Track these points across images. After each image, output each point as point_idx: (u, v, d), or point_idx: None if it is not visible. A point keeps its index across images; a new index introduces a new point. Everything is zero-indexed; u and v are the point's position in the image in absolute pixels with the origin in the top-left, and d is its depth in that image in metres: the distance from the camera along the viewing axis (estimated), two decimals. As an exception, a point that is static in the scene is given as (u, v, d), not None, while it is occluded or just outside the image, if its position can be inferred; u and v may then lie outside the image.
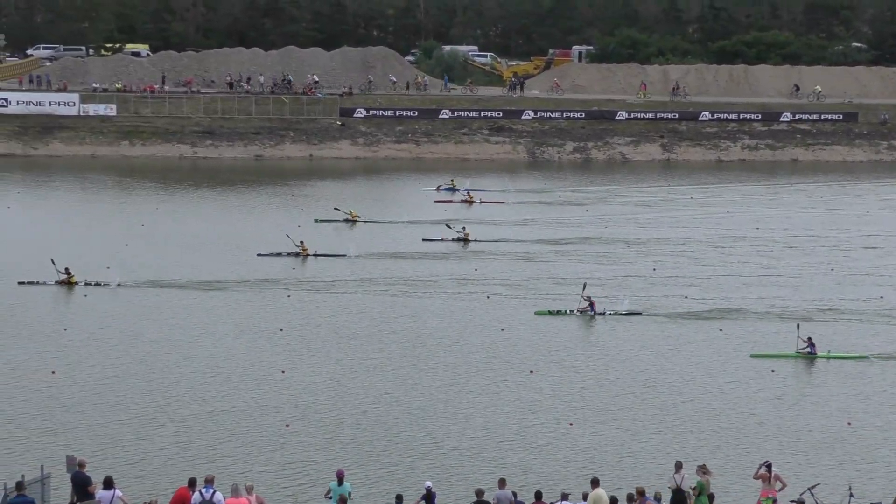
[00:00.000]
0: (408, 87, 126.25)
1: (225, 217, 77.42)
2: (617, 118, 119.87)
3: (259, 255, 63.85)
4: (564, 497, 28.02)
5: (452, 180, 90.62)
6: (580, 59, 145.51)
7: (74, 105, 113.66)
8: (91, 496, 26.48)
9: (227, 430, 36.71)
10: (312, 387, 41.37)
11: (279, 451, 35.06)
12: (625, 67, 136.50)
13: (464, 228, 70.11)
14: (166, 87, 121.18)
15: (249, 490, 26.51)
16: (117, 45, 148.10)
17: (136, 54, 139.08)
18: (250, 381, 41.90)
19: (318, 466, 33.74)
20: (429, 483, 28.97)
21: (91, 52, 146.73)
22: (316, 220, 75.11)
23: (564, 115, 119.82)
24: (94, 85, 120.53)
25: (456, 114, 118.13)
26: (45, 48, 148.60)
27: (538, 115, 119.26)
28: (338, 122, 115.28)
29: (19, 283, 55.93)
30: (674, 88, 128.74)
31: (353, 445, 35.64)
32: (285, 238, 64.10)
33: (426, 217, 76.48)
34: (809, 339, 46.13)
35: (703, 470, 29.58)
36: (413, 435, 36.70)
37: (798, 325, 47.45)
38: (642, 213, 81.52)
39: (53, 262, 56.33)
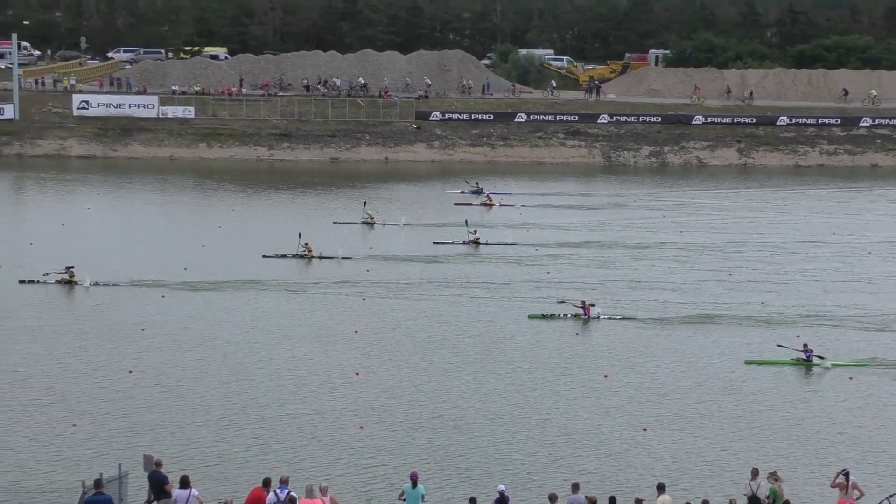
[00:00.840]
0: (483, 91, 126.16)
1: (301, 219, 77.80)
2: (693, 122, 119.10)
3: (264, 256, 64.09)
4: (637, 503, 27.87)
5: (477, 183, 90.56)
6: (657, 63, 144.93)
7: (154, 107, 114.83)
8: (168, 495, 26.69)
9: (302, 432, 36.84)
10: (387, 390, 41.41)
11: (354, 454, 35.12)
12: (702, 71, 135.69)
13: (475, 231, 69.90)
14: (244, 90, 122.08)
15: (324, 491, 26.61)
16: (196, 49, 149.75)
17: (215, 57, 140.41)
18: (326, 383, 42.05)
19: (392, 469, 33.76)
20: (502, 487, 28.88)
21: (170, 55, 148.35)
22: (334, 223, 75.55)
23: (640, 119, 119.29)
24: (173, 88, 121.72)
25: (532, 117, 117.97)
26: (125, 51, 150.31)
27: (614, 118, 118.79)
28: (413, 125, 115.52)
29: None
30: (749, 93, 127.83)
31: (427, 449, 35.62)
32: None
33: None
34: None
35: (773, 477, 29.37)
36: (487, 439, 36.61)
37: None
38: (717, 218, 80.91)
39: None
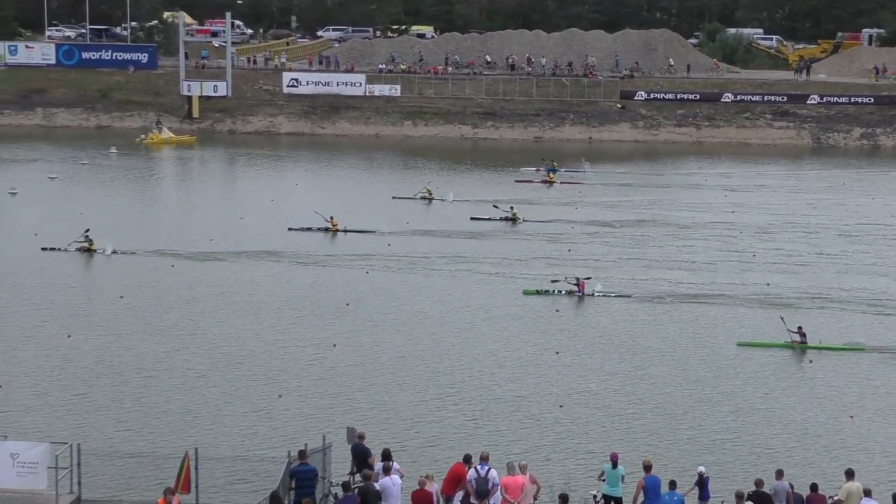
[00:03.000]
0: (688, 71, 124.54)
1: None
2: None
3: (290, 229, 64.68)
4: (813, 489, 27.37)
5: (553, 161, 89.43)
6: (870, 43, 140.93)
7: (361, 85, 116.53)
8: (370, 467, 27.13)
9: (503, 410, 37.09)
10: (586, 369, 41.40)
11: (553, 432, 35.22)
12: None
13: (511, 208, 69.25)
14: (449, 69, 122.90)
15: (524, 469, 26.72)
16: (403, 27, 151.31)
17: (422, 36, 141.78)
18: (527, 362, 42.24)
19: (591, 448, 33.78)
20: (702, 468, 28.64)
21: (378, 33, 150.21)
22: (393, 198, 76.03)
23: (852, 101, 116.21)
24: (380, 66, 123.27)
25: (739, 98, 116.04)
26: (334, 30, 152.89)
27: (824, 99, 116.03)
28: (618, 105, 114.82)
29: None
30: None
31: (627, 430, 35.52)
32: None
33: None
34: None
35: None
36: (688, 423, 36.34)
37: None
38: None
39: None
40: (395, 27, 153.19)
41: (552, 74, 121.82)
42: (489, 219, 68.78)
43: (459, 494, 26.56)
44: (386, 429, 34.71)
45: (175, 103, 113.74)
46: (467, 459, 27.06)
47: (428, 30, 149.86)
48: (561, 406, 37.38)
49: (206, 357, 41.71)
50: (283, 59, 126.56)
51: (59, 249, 58.38)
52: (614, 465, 27.51)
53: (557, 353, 43.19)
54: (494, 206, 70.05)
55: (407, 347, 43.57)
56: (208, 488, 27.88)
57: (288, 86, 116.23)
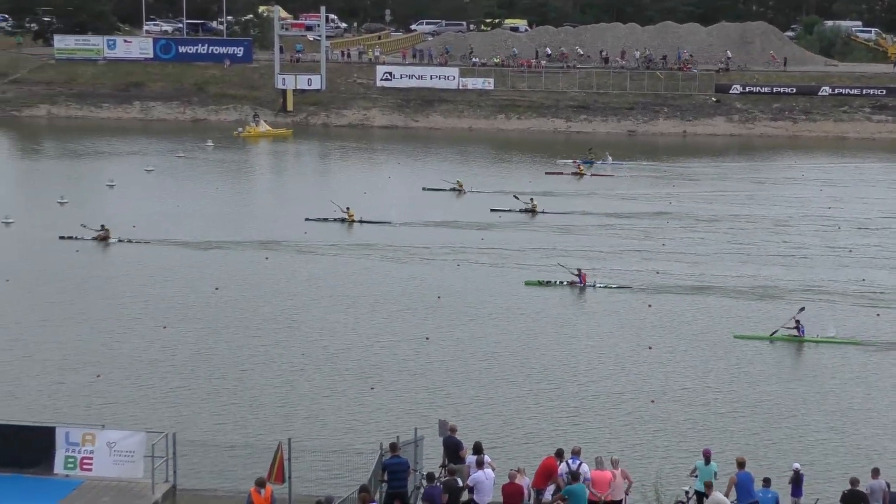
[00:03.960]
0: (784, 64, 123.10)
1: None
2: None
3: (307, 219, 65.32)
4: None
5: (591, 152, 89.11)
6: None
7: (454, 79, 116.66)
8: (462, 460, 27.22)
9: (594, 405, 37.03)
10: (679, 365, 41.18)
11: (644, 427, 35.10)
12: None
13: (531, 199, 69.43)
14: (542, 62, 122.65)
15: (615, 464, 26.68)
16: (497, 21, 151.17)
17: (515, 29, 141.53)
18: (618, 355, 42.14)
19: (682, 444, 33.62)
20: (797, 464, 28.42)
21: (471, 27, 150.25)
22: (423, 189, 76.58)
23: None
24: (473, 59, 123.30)
25: (836, 91, 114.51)
26: (427, 23, 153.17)
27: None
28: (713, 99, 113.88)
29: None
30: None
31: (719, 428, 35.29)
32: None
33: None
34: None
35: None
36: (784, 420, 36.02)
37: None
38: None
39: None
40: (488, 21, 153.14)
41: (646, 68, 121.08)
42: (509, 210, 69.22)
43: (550, 488, 26.59)
44: (478, 422, 34.77)
45: (269, 97, 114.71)
46: (559, 454, 27.06)
47: (521, 23, 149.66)
48: (653, 401, 37.24)
49: (302, 350, 42.01)
50: (377, 53, 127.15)
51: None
52: (707, 462, 27.34)
53: (650, 348, 43.01)
54: (515, 198, 70.44)
55: (501, 342, 43.61)
56: (300, 479, 28.12)
57: (381, 79, 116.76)
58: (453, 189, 76.22)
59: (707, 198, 75.13)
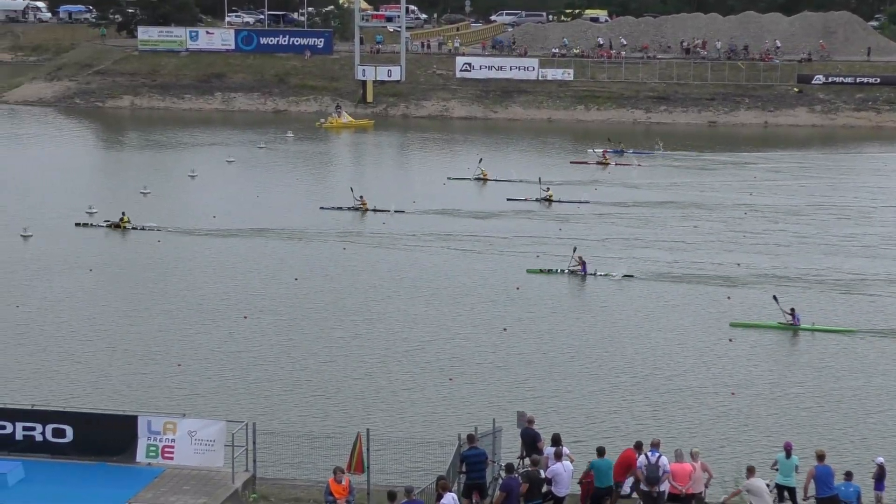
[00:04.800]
0: (868, 54, 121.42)
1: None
2: None
3: (321, 208, 65.79)
4: None
5: (620, 142, 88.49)
6: None
7: (533, 70, 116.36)
8: (540, 452, 27.20)
9: (675, 398, 36.85)
10: (759, 358, 40.87)
11: (725, 420, 34.88)
12: None
13: (548, 188, 69.00)
14: (622, 53, 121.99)
15: (695, 456, 26.51)
16: (577, 11, 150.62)
17: (595, 20, 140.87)
18: (698, 347, 41.89)
19: (764, 437, 33.36)
20: (881, 458, 28.13)
21: (551, 17, 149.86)
22: (448, 178, 76.64)
23: None
24: (553, 50, 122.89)
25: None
26: (507, 14, 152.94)
27: None
28: (795, 89, 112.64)
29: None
30: None
31: (800, 421, 35.00)
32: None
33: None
34: None
35: None
36: (869, 416, 35.63)
37: None
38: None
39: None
40: (568, 11, 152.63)
41: (727, 58, 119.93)
42: (525, 199, 69.15)
43: (630, 480, 26.49)
44: (557, 414, 34.75)
45: (349, 88, 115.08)
46: (638, 446, 26.94)
47: (602, 14, 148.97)
48: (733, 393, 37.01)
49: (381, 342, 42.19)
50: (457, 44, 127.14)
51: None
52: (788, 455, 27.09)
53: (731, 340, 42.72)
54: (540, 186, 70.25)
55: (581, 335, 43.52)
56: (380, 470, 28.24)
57: (461, 70, 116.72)
58: (477, 178, 76.47)
59: (788, 189, 74.52)
